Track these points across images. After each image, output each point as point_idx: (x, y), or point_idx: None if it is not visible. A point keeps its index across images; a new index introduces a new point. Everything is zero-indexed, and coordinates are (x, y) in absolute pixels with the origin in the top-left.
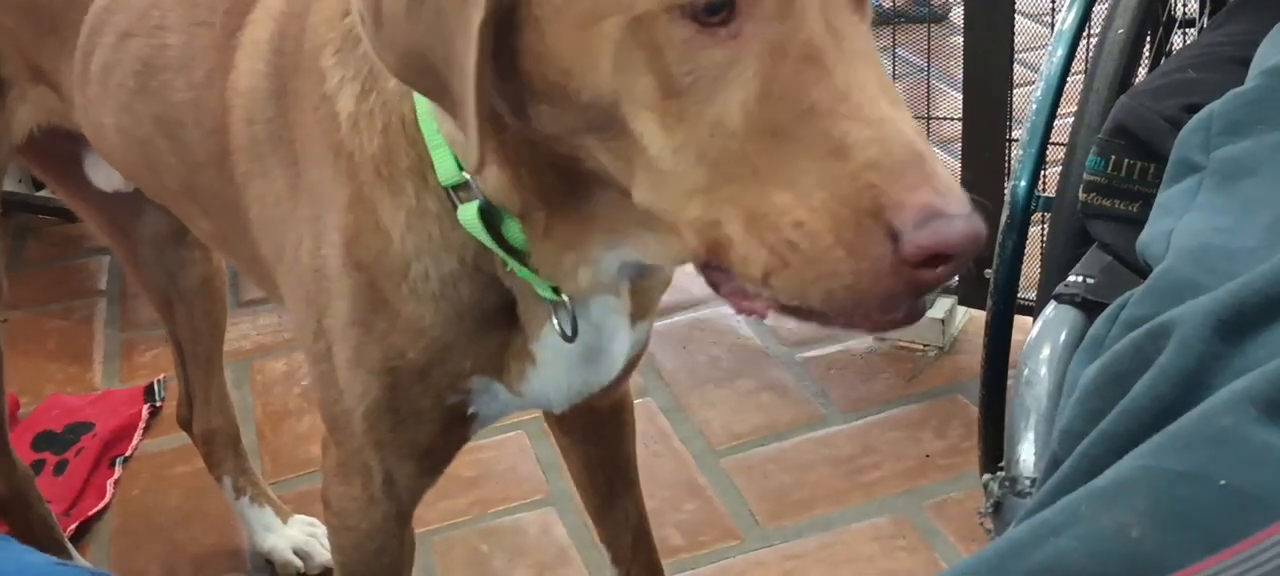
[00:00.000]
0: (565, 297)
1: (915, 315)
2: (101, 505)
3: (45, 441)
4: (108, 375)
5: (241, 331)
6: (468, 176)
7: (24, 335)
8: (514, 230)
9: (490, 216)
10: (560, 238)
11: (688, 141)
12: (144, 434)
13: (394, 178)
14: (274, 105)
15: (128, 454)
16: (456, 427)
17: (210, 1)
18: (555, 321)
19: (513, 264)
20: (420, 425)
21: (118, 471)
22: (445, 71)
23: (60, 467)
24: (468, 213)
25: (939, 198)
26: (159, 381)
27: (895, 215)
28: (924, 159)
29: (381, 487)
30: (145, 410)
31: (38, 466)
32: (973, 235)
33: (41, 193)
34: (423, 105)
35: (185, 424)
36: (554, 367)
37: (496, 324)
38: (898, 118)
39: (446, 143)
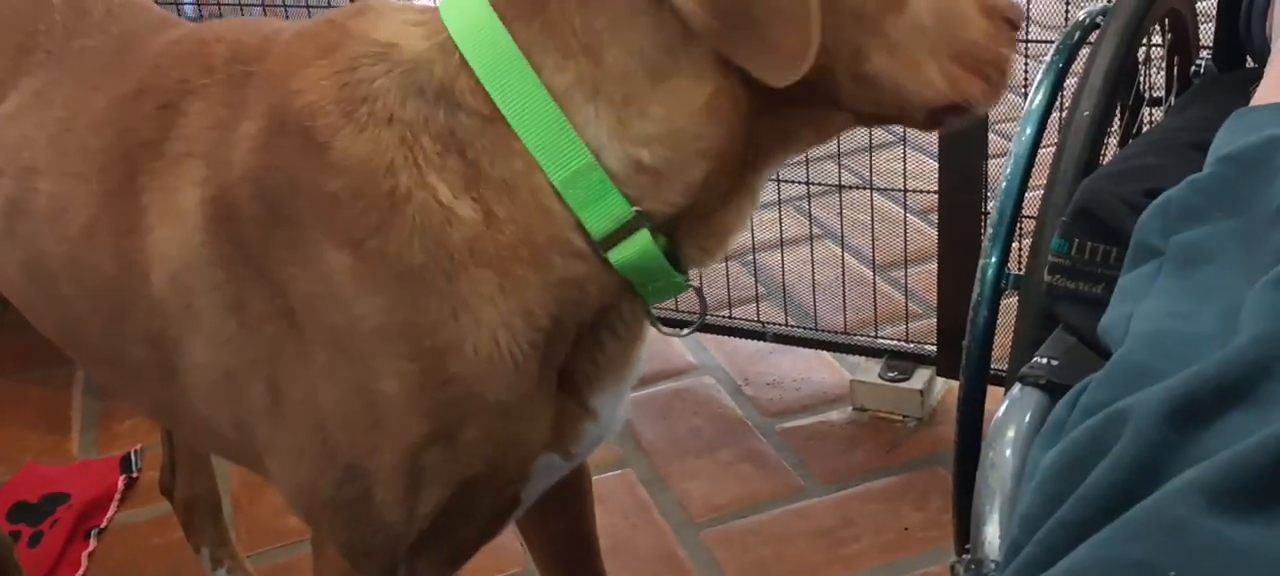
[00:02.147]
0: (692, 277)
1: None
2: None
3: (21, 513)
4: (85, 445)
5: None
6: (636, 208)
7: (2, 402)
8: (660, 242)
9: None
10: (739, 181)
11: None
12: (119, 505)
13: (536, 257)
14: (222, 271)
15: (103, 525)
16: (498, 522)
17: (81, 153)
18: (648, 325)
19: (664, 277)
20: (471, 525)
21: (92, 543)
22: None
23: (35, 539)
24: (636, 244)
25: None
26: (135, 451)
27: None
28: None
29: None
30: (122, 481)
31: (13, 538)
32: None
33: None
34: (566, 171)
35: (167, 491)
36: (607, 414)
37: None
38: None
39: (622, 170)
